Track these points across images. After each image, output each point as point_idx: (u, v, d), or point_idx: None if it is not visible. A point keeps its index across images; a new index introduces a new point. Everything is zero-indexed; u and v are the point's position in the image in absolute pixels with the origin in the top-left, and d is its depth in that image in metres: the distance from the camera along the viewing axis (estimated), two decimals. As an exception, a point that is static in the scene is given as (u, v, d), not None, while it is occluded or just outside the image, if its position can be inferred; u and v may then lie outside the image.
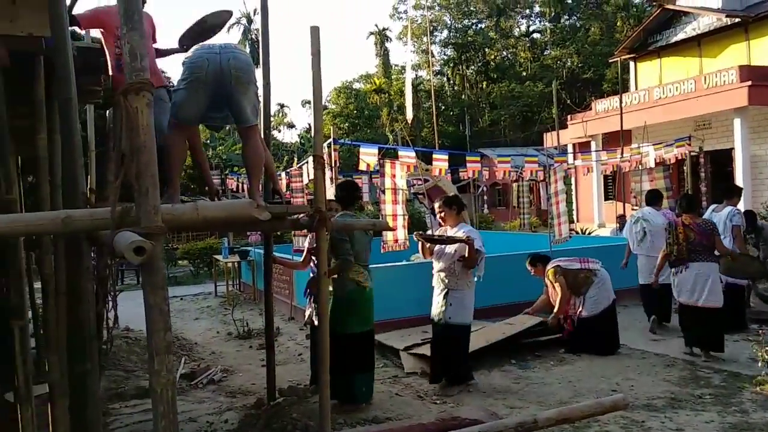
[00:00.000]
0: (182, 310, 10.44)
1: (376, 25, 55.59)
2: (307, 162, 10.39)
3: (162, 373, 1.77)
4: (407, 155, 9.43)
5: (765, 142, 15.92)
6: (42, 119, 2.86)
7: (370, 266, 5.10)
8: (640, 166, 13.32)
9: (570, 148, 20.33)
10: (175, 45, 3.96)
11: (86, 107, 6.19)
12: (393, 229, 8.21)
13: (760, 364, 5.17)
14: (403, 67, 40.54)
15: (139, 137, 1.80)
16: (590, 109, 21.42)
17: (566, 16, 44.14)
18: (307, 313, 5.37)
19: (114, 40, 3.66)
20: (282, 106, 49.61)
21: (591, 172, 18.84)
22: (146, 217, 1.80)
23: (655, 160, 13.26)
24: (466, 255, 5.07)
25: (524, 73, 42.40)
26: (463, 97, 43.26)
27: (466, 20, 46.34)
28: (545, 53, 43.45)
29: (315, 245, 3.65)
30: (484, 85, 43.29)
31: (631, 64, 21.65)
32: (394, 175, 8.48)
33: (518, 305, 7.03)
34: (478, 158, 11.82)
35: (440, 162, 10.98)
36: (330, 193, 5.80)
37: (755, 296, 7.76)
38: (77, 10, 3.80)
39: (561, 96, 30.09)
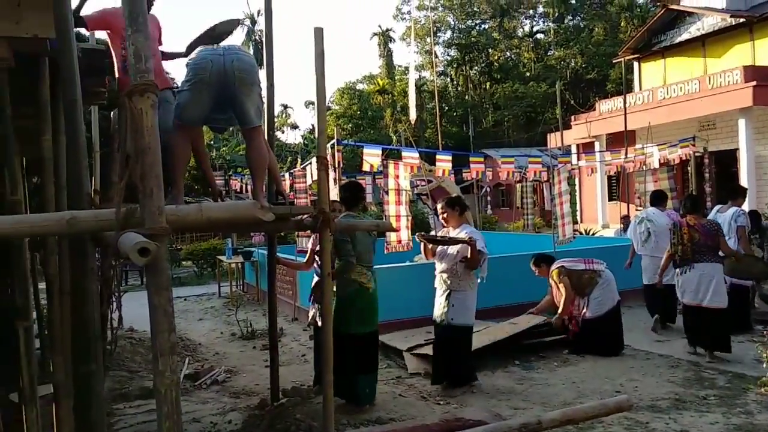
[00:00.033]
0: (186, 310, 10.46)
1: (380, 26, 55.69)
2: (310, 163, 10.41)
3: (166, 373, 1.77)
4: (411, 156, 9.44)
5: (770, 143, 15.88)
6: (47, 120, 2.87)
7: (374, 267, 5.09)
8: (644, 167, 13.26)
9: (574, 149, 20.23)
10: (183, 50, 3.97)
11: (91, 108, 6.21)
12: (396, 230, 8.20)
13: (765, 365, 5.13)
14: (407, 68, 40.49)
15: (144, 138, 1.81)
16: (594, 109, 21.34)
17: (570, 17, 44.02)
18: (311, 313, 5.38)
19: (121, 41, 3.67)
20: (285, 107, 49.58)
21: (595, 173, 18.75)
22: (151, 218, 1.81)
23: (660, 160, 13.20)
24: (469, 256, 5.06)
25: (528, 74, 42.30)
26: (466, 97, 43.19)
27: (470, 21, 46.25)
28: (549, 54, 43.30)
29: (318, 246, 3.66)
30: (488, 86, 43.18)
31: (635, 64, 21.58)
32: (397, 176, 8.48)
33: (522, 306, 7.02)
34: (482, 159, 11.85)
35: (443, 163, 10.96)
36: (333, 193, 5.80)
37: (759, 297, 7.73)
38: (84, 12, 3.81)
39: (565, 96, 30.01)
